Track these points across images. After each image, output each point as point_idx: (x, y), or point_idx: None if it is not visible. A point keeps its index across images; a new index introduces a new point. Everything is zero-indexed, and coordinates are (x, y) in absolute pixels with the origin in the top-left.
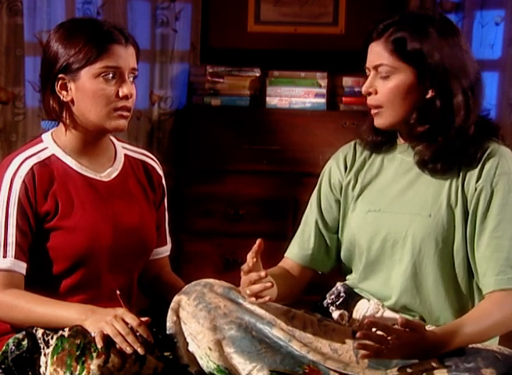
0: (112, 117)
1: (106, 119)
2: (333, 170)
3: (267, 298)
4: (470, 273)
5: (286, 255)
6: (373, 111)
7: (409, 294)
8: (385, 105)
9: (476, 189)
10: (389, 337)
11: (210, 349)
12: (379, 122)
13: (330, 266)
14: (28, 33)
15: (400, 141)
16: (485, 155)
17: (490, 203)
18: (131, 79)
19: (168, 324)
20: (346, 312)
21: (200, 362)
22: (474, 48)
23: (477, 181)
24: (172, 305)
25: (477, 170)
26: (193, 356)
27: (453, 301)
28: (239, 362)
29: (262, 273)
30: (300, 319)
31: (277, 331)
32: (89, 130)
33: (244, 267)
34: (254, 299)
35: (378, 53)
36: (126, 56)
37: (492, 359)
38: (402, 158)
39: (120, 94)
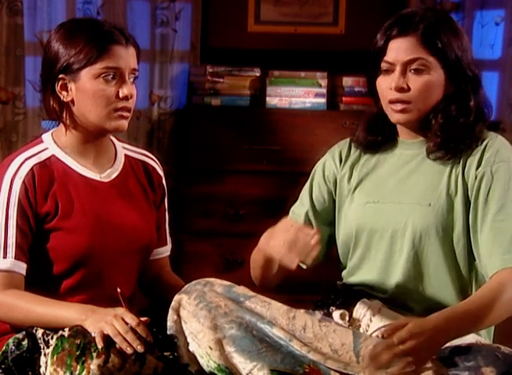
0: (112, 118)
1: (106, 120)
2: (328, 164)
3: (294, 262)
4: (471, 260)
5: None
6: (398, 106)
7: (411, 283)
8: (416, 100)
9: (476, 176)
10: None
11: (210, 348)
12: (403, 117)
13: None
14: (28, 33)
15: (401, 137)
16: (484, 143)
17: (491, 188)
18: (131, 79)
19: (169, 323)
20: (346, 312)
21: (201, 361)
22: (475, 48)
23: (477, 168)
24: (173, 304)
25: (477, 158)
26: (194, 355)
27: (456, 289)
28: (239, 361)
29: (314, 234)
30: (300, 319)
31: (277, 331)
32: (89, 130)
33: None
34: (282, 251)
35: (410, 48)
36: (127, 57)
37: (493, 358)
38: (401, 152)
39: (120, 95)
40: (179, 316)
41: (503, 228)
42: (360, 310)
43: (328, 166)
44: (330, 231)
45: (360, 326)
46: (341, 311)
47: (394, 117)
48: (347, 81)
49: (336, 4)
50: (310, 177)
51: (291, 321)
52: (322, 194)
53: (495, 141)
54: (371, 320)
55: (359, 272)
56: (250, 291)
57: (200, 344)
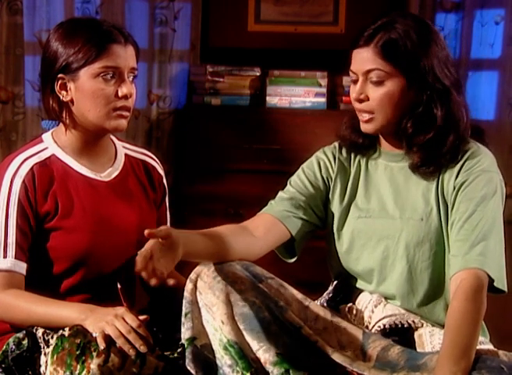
0: (111, 117)
1: (105, 119)
2: (322, 162)
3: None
4: None
5: (263, 211)
6: (364, 116)
7: (405, 298)
8: (378, 111)
9: (455, 187)
10: None
11: (222, 322)
12: (370, 127)
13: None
14: (27, 33)
15: (383, 147)
16: (466, 155)
17: (466, 196)
18: (130, 78)
19: (185, 293)
20: (354, 306)
21: (215, 333)
22: (474, 47)
23: (455, 179)
24: (191, 275)
25: (456, 169)
26: (203, 329)
27: (448, 304)
28: (247, 340)
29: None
30: (314, 310)
31: (289, 316)
32: (89, 129)
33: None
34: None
35: (368, 59)
36: (126, 56)
37: (497, 372)
38: (386, 164)
39: (120, 94)
40: (195, 286)
41: (468, 233)
42: (361, 302)
43: (322, 163)
44: (309, 228)
45: (362, 317)
46: (349, 305)
47: (362, 127)
48: (347, 81)
49: (336, 3)
50: (300, 170)
51: (304, 310)
52: (314, 184)
53: (476, 152)
54: (372, 312)
55: (353, 283)
56: (269, 273)
57: (214, 317)
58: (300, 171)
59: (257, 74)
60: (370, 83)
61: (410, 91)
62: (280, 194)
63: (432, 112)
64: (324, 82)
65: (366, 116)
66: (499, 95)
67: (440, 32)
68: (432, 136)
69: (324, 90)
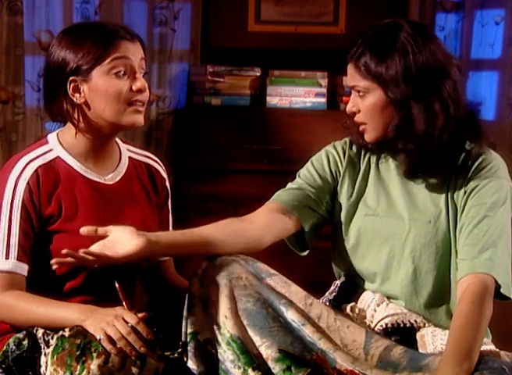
0: (127, 113)
1: (122, 116)
2: (331, 156)
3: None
4: None
5: (270, 201)
6: (361, 127)
7: (408, 300)
8: (368, 121)
9: (466, 191)
10: None
11: (226, 317)
12: (367, 137)
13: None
14: (27, 33)
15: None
16: (478, 161)
17: (476, 201)
18: (141, 75)
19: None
20: (356, 305)
21: (218, 328)
22: (474, 47)
23: (467, 184)
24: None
25: (467, 175)
26: (207, 323)
27: (453, 307)
28: (250, 335)
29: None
30: (317, 308)
31: (292, 313)
32: (102, 131)
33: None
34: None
35: (351, 75)
36: (134, 50)
37: (499, 373)
38: (397, 164)
39: (134, 88)
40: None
41: (478, 238)
42: (364, 301)
43: (331, 157)
44: (318, 219)
45: (365, 316)
46: (352, 304)
47: (365, 137)
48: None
49: (337, 3)
50: (309, 163)
51: (307, 307)
52: (322, 177)
53: (488, 158)
54: (375, 310)
55: (356, 283)
56: (273, 269)
57: (218, 311)
58: (309, 164)
59: (258, 74)
60: (359, 96)
61: (391, 104)
62: (289, 185)
63: (411, 121)
64: (324, 82)
65: (362, 127)
66: (499, 95)
67: (437, 32)
68: (407, 141)
69: (324, 90)
